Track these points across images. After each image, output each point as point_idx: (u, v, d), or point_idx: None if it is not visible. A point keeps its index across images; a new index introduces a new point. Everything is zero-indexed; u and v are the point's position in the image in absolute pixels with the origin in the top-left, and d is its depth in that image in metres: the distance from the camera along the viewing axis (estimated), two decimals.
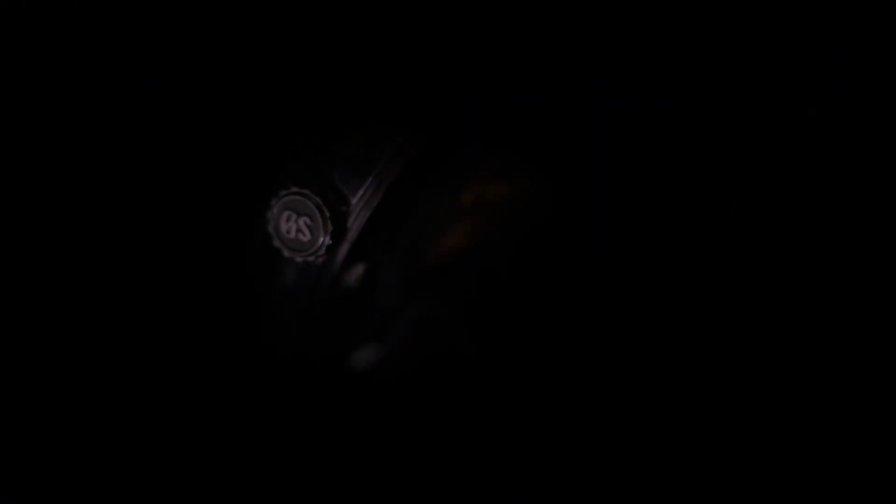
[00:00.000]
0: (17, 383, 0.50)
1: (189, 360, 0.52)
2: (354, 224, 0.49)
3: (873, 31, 0.46)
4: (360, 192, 0.48)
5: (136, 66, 0.49)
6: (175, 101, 0.50)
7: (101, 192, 0.51)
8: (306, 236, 0.48)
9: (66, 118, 0.50)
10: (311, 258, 0.49)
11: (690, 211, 0.50)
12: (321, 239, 0.48)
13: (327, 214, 0.48)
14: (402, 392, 0.52)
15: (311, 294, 0.50)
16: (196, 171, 0.51)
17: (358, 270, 0.50)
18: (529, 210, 0.52)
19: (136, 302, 0.52)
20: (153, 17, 0.48)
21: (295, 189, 0.48)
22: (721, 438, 0.50)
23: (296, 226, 0.48)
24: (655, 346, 0.51)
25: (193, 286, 0.52)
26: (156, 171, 0.51)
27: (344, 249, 0.49)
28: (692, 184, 0.49)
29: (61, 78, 0.49)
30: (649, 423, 0.50)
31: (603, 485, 0.50)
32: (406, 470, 0.51)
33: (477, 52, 0.48)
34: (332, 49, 0.49)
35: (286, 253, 0.49)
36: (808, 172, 0.48)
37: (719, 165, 0.49)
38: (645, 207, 0.50)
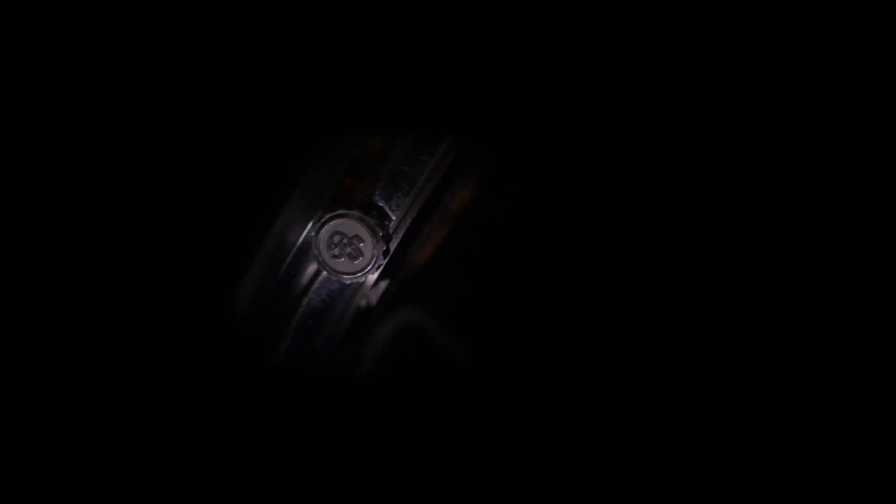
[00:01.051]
0: (21, 384, 0.50)
1: (199, 369, 0.52)
2: (392, 241, 0.48)
3: (873, 31, 0.46)
4: (401, 210, 0.48)
5: (136, 66, 0.49)
6: (175, 101, 0.50)
7: (101, 193, 0.51)
8: (356, 258, 0.48)
9: (66, 118, 0.49)
10: (355, 279, 0.48)
11: (690, 211, 0.50)
12: (374, 260, 0.48)
13: (380, 234, 0.47)
14: (387, 400, 0.52)
15: (341, 316, 0.50)
16: (198, 174, 0.51)
17: (381, 287, 0.50)
18: (524, 211, 0.52)
19: (140, 307, 0.52)
20: (153, 17, 0.48)
21: (342, 211, 0.47)
22: (721, 438, 0.50)
23: (345, 249, 0.48)
24: (655, 345, 0.51)
25: (196, 294, 0.52)
26: (157, 172, 0.51)
27: (380, 268, 0.48)
28: (692, 184, 0.49)
29: (61, 78, 0.49)
30: (649, 424, 0.50)
31: (603, 486, 0.50)
32: (402, 479, 0.51)
33: (477, 52, 0.48)
34: (332, 50, 0.49)
35: (332, 276, 0.48)
36: (808, 172, 0.48)
37: (719, 165, 0.49)
38: (645, 207, 0.50)
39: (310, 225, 0.49)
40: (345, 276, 0.48)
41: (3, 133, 0.49)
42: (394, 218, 0.48)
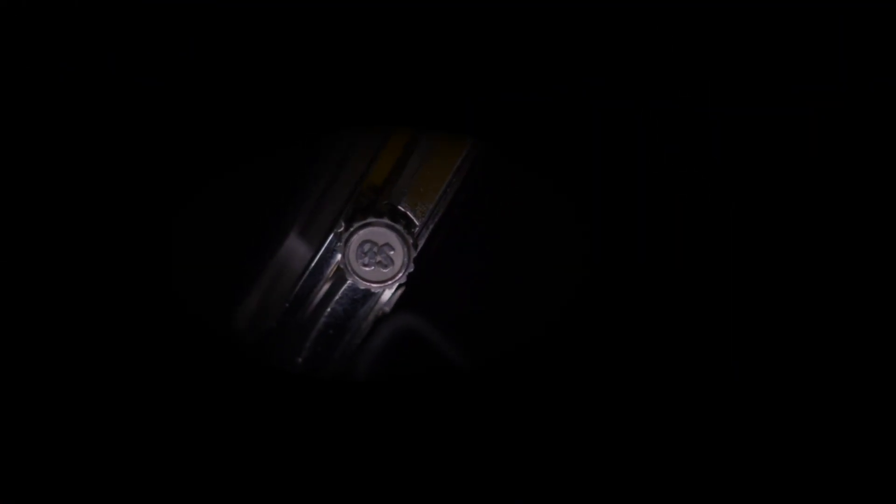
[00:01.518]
0: (22, 387, 0.50)
1: (214, 377, 0.52)
2: (418, 248, 0.48)
3: (873, 31, 0.46)
4: (425, 216, 0.48)
5: (136, 66, 0.49)
6: (175, 101, 0.50)
7: (101, 195, 0.51)
8: (386, 266, 0.47)
9: (66, 118, 0.49)
10: (384, 287, 0.48)
11: (690, 211, 0.50)
12: (404, 267, 0.47)
13: (411, 241, 0.47)
14: (387, 400, 0.52)
15: (360, 324, 0.50)
16: (199, 175, 0.51)
17: (397, 295, 0.50)
18: (523, 212, 0.52)
19: (139, 309, 0.51)
20: (153, 17, 0.48)
21: (372, 219, 0.47)
22: (721, 438, 0.50)
23: (375, 257, 0.47)
24: (655, 345, 0.51)
25: (201, 298, 0.52)
26: (157, 173, 0.51)
27: (409, 275, 0.48)
28: (692, 184, 0.49)
29: (61, 78, 0.49)
30: (649, 424, 0.50)
31: (603, 486, 0.50)
32: (402, 480, 0.51)
33: (477, 52, 0.48)
34: (333, 49, 0.49)
35: (361, 286, 0.48)
36: (808, 172, 0.48)
37: (719, 165, 0.49)
38: (645, 207, 0.50)
39: (332, 234, 0.48)
40: (374, 285, 0.48)
41: (4, 133, 0.49)
42: (418, 224, 0.48)
